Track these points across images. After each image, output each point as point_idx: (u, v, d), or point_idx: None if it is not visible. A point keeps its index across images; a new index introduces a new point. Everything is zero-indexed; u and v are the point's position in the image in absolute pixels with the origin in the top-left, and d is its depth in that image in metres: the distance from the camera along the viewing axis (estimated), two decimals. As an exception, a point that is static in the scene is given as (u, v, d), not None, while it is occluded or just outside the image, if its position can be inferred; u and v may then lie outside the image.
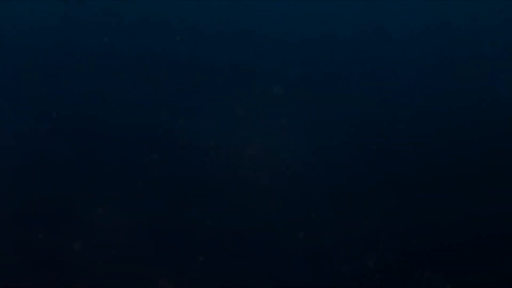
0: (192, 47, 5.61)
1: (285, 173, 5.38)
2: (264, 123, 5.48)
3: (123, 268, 5.15)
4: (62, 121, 5.42)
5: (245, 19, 5.68)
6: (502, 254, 5.24)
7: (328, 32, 5.70)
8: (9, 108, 5.41)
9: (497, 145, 5.51)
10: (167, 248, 5.20)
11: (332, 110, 5.55)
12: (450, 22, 5.76)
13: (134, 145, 5.40)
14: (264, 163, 5.40)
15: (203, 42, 5.63)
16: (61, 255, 5.16)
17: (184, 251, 5.19)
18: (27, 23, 5.61)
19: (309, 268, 5.18)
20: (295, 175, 5.38)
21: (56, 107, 5.44)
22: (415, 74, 5.67)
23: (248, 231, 5.24)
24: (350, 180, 5.39)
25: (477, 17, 5.77)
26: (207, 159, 5.38)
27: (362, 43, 5.69)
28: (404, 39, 5.72)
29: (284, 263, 5.19)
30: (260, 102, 5.51)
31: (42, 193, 5.28)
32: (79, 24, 5.64)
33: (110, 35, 5.60)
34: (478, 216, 5.32)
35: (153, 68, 5.55)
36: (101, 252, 5.16)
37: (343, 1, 5.72)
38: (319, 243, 5.23)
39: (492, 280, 5.16)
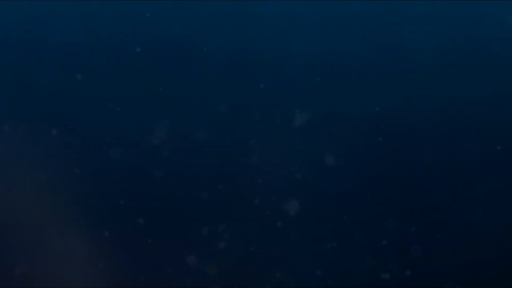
0: (193, 47, 5.63)
1: (291, 173, 5.34)
2: (269, 122, 5.43)
3: (122, 270, 5.21)
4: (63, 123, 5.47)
5: (249, 20, 5.67)
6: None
7: (339, 27, 5.63)
8: (13, 108, 5.48)
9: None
10: (166, 249, 5.23)
11: (342, 107, 5.44)
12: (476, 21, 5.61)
13: (135, 145, 5.41)
14: (269, 163, 5.36)
15: (204, 41, 5.64)
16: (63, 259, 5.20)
17: (183, 254, 5.22)
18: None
19: (313, 270, 5.19)
20: (302, 175, 5.34)
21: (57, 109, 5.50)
22: (438, 68, 5.52)
23: (250, 232, 5.24)
24: (362, 181, 5.31)
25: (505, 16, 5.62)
26: (210, 160, 5.38)
27: (375, 37, 5.59)
28: (421, 33, 5.58)
29: (288, 265, 5.20)
30: (263, 101, 5.47)
31: (41, 195, 5.31)
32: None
33: (106, 34, 5.64)
34: (491, 218, 5.20)
35: (153, 68, 5.57)
36: (100, 253, 5.20)
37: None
38: (322, 245, 5.22)
39: (499, 280, 5.10)
